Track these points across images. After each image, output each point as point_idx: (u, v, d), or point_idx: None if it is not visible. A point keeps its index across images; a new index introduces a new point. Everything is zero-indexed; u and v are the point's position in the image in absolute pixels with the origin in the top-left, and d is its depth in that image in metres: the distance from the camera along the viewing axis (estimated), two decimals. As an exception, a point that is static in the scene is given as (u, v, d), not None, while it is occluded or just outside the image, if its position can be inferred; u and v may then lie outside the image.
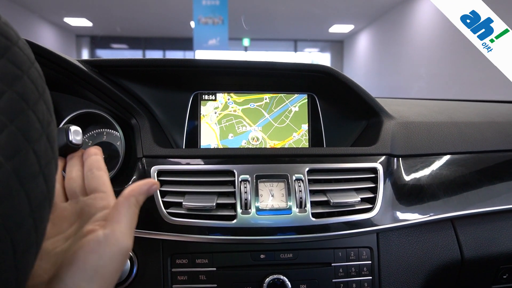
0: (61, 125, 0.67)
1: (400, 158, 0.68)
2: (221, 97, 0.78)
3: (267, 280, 0.58)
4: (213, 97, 0.78)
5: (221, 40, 5.32)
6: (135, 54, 10.00)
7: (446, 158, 0.71)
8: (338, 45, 9.83)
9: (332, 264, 0.60)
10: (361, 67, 8.52)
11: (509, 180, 0.72)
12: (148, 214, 0.58)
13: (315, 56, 10.75)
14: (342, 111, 0.78)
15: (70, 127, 0.42)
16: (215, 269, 0.58)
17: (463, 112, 0.82)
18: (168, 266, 0.58)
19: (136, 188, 0.38)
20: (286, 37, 9.58)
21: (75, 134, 0.43)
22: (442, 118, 0.77)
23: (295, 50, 9.90)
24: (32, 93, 0.29)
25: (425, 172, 0.68)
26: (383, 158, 0.66)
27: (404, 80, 6.25)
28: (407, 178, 0.67)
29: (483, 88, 3.61)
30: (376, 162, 0.65)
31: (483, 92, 3.64)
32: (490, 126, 0.77)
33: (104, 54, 10.17)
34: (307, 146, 0.78)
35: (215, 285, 0.58)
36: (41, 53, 0.58)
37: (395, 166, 0.67)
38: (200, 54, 5.67)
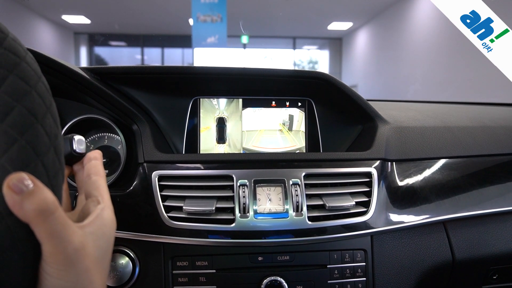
0: (63, 131, 0.69)
1: (394, 163, 0.70)
2: (220, 102, 0.80)
3: (265, 281, 0.60)
4: (212, 102, 0.80)
5: (219, 38, 5.32)
6: (134, 52, 9.96)
7: (438, 162, 0.73)
8: (337, 43, 9.83)
9: (328, 266, 0.63)
10: (360, 64, 8.52)
11: (500, 183, 0.74)
12: (149, 218, 0.60)
13: (314, 54, 10.74)
14: (338, 116, 0.80)
15: (74, 137, 0.43)
16: (214, 271, 0.60)
17: (456, 117, 0.84)
18: (169, 268, 0.60)
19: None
20: (285, 35, 9.57)
21: (79, 143, 0.44)
22: (435, 122, 0.79)
23: (294, 48, 9.89)
24: (40, 107, 0.31)
25: (418, 176, 0.70)
26: (377, 162, 0.68)
27: (402, 79, 6.26)
28: (401, 182, 0.69)
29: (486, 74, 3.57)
30: (370, 166, 0.67)
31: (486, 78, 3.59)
32: (482, 131, 0.79)
33: (102, 51, 10.13)
34: (304, 151, 0.80)
35: (215, 287, 0.60)
36: (44, 61, 0.59)
37: (389, 170, 0.69)
38: (199, 52, 5.67)
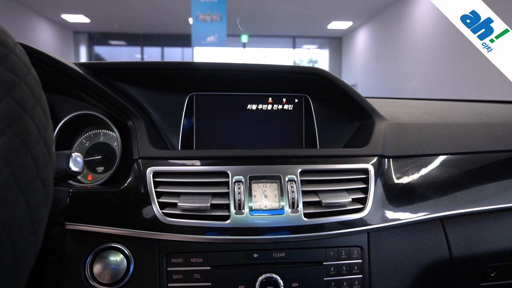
0: (58, 128, 0.68)
1: (391, 159, 0.70)
2: (216, 98, 0.79)
3: (260, 278, 0.59)
4: (208, 99, 0.79)
5: (219, 37, 5.33)
6: (134, 51, 9.97)
7: (436, 159, 0.72)
8: (337, 42, 9.83)
9: (324, 263, 0.62)
10: (360, 64, 8.52)
11: (498, 180, 0.73)
12: (144, 215, 0.60)
13: (314, 53, 10.74)
14: (335, 112, 0.80)
15: (72, 154, 0.42)
16: (209, 268, 0.60)
17: (454, 113, 0.84)
18: (163, 265, 0.60)
19: None
20: (284, 34, 9.57)
21: (75, 162, 0.42)
22: (433, 119, 0.78)
23: (294, 47, 9.90)
24: (29, 99, 0.31)
25: (415, 172, 0.70)
26: (374, 159, 0.68)
27: (401, 78, 6.26)
28: (398, 178, 0.68)
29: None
30: (367, 163, 0.67)
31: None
32: (480, 127, 0.78)
33: (102, 50, 10.13)
34: (301, 147, 0.80)
35: (210, 284, 0.59)
36: (37, 56, 0.59)
37: (386, 167, 0.68)
38: (199, 51, 5.67)
